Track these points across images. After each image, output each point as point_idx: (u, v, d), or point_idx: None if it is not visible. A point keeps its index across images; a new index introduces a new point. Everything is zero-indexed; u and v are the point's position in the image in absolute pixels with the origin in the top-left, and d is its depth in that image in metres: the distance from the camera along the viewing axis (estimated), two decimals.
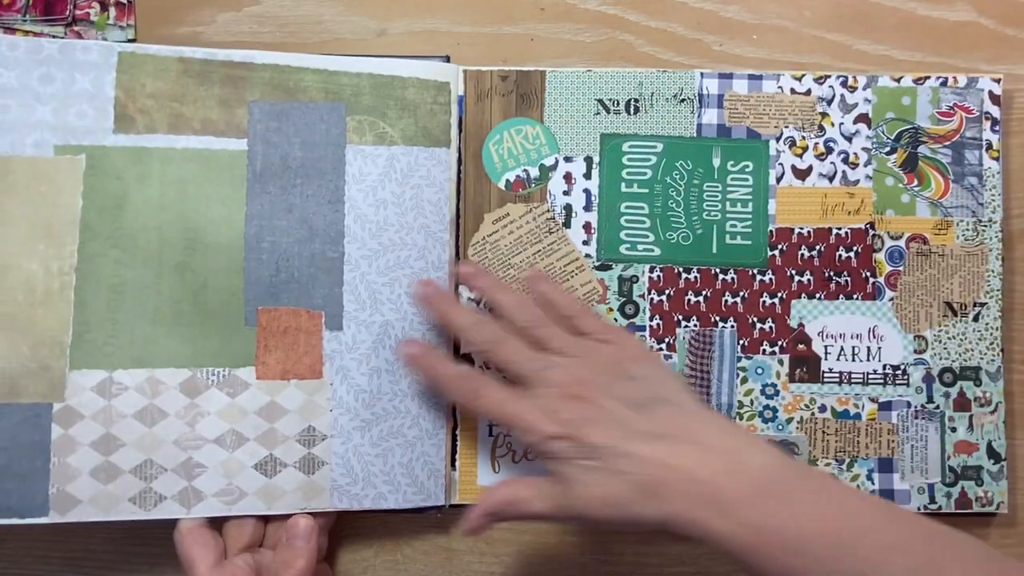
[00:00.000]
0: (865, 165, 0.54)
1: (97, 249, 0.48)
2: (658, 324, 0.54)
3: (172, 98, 0.50)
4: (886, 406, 0.53)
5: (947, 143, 0.54)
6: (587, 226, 0.54)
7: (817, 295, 0.54)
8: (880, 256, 0.54)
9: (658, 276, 0.54)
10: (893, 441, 0.53)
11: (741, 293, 0.54)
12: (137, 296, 0.49)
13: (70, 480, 0.47)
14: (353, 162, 0.51)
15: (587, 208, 0.54)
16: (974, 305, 0.54)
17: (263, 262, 0.50)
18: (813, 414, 0.53)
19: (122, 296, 0.48)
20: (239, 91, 0.50)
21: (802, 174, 0.54)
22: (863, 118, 0.54)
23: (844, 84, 0.54)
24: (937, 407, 0.53)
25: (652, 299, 0.54)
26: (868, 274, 0.54)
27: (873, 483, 0.53)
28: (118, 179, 0.49)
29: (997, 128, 0.54)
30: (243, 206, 0.50)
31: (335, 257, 0.51)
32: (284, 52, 0.51)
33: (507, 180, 0.54)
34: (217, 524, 0.49)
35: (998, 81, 0.54)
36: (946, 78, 0.54)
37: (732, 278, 0.54)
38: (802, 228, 0.54)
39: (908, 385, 0.54)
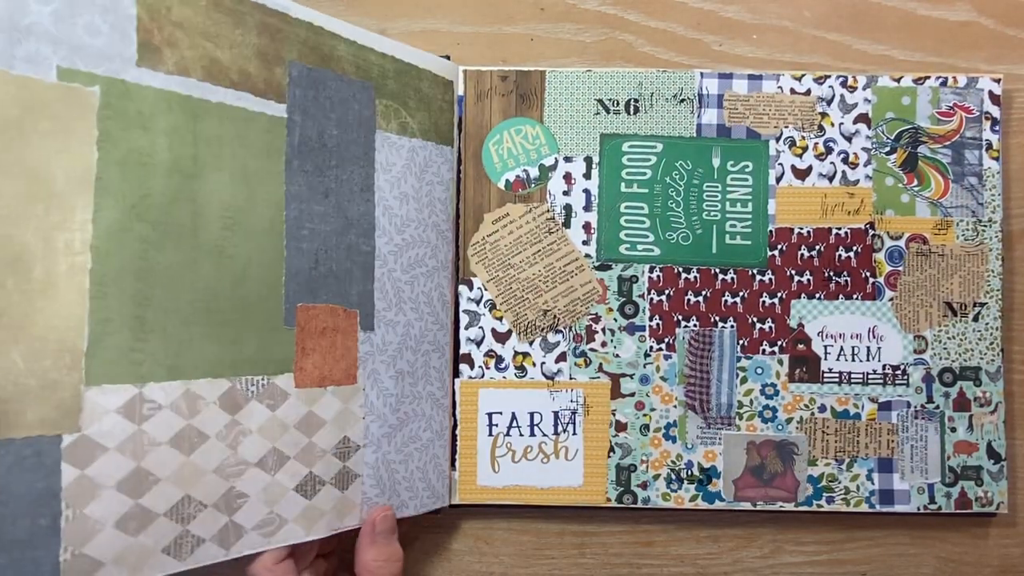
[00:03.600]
0: (865, 165, 0.54)
1: (119, 221, 0.36)
2: (658, 324, 0.54)
3: (204, 35, 0.39)
4: (886, 406, 0.53)
5: (947, 143, 0.54)
6: (587, 226, 0.54)
7: (817, 295, 0.54)
8: (880, 256, 0.54)
9: (658, 276, 0.54)
10: (893, 441, 0.53)
11: (741, 293, 0.54)
12: (169, 286, 0.37)
13: (89, 538, 0.35)
14: (381, 149, 0.48)
15: (587, 208, 0.54)
16: (974, 305, 0.54)
17: (303, 252, 0.43)
18: (813, 414, 0.53)
19: (151, 286, 0.37)
20: (276, 45, 0.43)
21: (802, 174, 0.54)
22: (863, 118, 0.54)
23: (844, 84, 0.54)
24: (937, 407, 0.53)
25: (652, 299, 0.54)
26: (868, 274, 0.54)
27: (873, 483, 0.53)
28: (144, 129, 0.37)
29: (997, 128, 0.54)
30: (282, 184, 0.42)
31: (368, 251, 0.46)
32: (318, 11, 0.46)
33: (507, 180, 0.54)
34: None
35: (998, 81, 0.54)
36: (946, 78, 0.54)
37: (732, 278, 0.54)
38: (802, 228, 0.54)
39: (908, 385, 0.54)
